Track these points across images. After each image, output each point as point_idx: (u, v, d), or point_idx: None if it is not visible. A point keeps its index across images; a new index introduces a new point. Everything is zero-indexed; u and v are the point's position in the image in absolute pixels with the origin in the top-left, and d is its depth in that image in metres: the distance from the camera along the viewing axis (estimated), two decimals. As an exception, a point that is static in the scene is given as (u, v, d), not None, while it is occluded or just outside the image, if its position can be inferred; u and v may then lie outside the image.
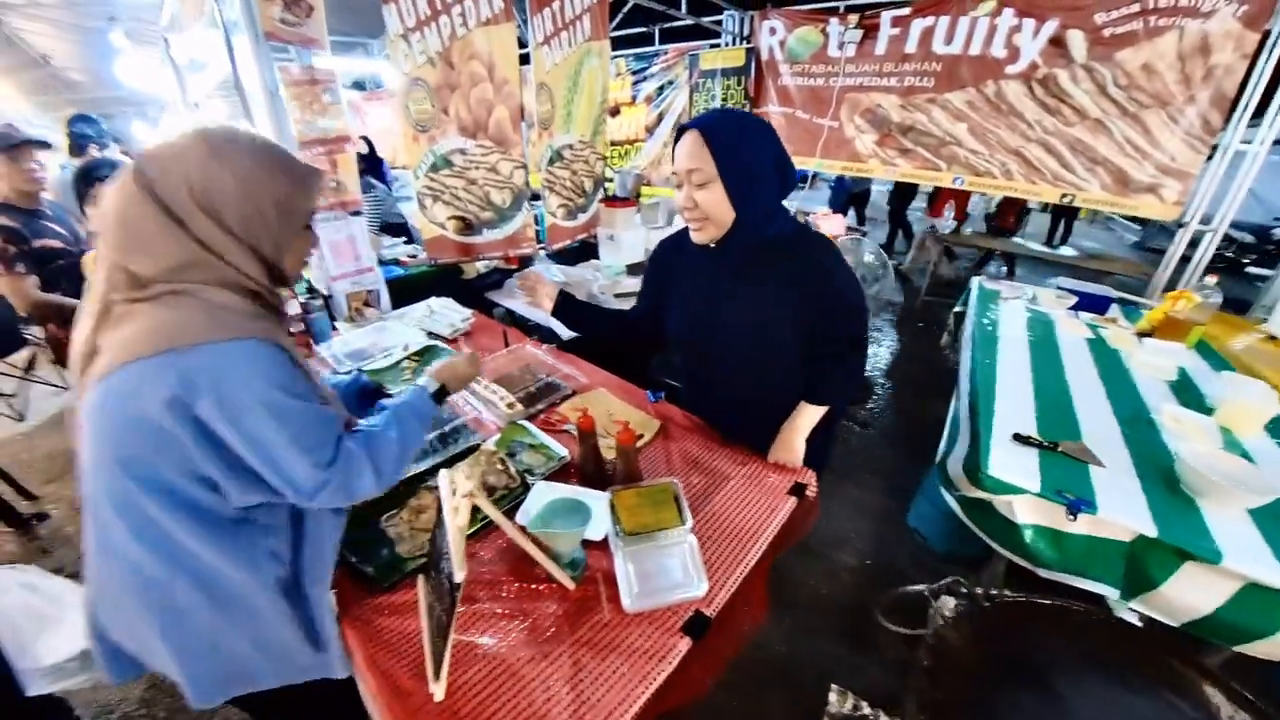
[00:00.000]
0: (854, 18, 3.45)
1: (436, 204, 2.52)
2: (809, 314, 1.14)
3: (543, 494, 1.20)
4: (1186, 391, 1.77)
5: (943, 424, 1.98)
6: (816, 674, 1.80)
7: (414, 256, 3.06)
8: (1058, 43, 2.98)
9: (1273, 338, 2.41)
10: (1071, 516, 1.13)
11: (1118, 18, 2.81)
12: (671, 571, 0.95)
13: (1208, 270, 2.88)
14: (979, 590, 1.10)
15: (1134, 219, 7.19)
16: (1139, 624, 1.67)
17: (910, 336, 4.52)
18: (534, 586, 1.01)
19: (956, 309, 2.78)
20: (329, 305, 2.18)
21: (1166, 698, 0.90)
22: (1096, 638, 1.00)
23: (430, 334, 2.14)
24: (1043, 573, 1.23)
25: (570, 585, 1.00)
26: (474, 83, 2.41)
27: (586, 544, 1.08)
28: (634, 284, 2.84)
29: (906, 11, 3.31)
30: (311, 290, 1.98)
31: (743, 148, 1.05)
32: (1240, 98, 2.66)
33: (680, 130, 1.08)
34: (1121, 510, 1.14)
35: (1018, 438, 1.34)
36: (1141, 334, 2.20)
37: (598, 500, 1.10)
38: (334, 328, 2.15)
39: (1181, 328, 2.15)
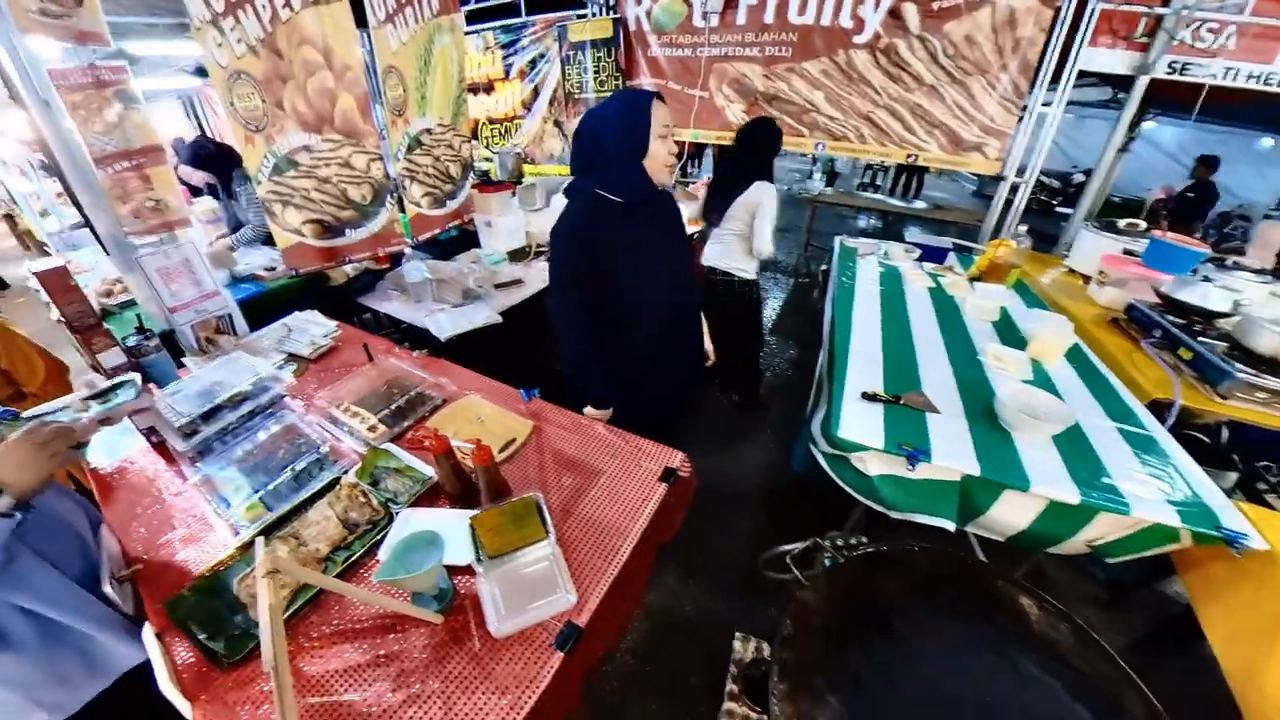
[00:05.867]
0: (714, -13, 3.46)
1: (287, 209, 2.23)
2: None
3: (406, 522, 1.13)
4: (1008, 329, 2.03)
5: (824, 375, 2.12)
6: (721, 626, 1.90)
7: (272, 269, 2.71)
8: (895, 15, 3.18)
9: (1072, 271, 2.83)
10: (910, 466, 1.25)
11: (943, -9, 3.05)
12: (538, 587, 0.92)
13: (1026, 213, 3.31)
14: (839, 543, 1.20)
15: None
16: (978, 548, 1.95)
17: (793, 292, 4.81)
18: (400, 627, 0.95)
19: (824, 267, 2.96)
20: (172, 342, 1.87)
21: (990, 617, 1.04)
22: (936, 574, 1.12)
23: (291, 355, 1.92)
24: (894, 514, 1.36)
25: (437, 620, 0.94)
26: (309, 71, 2.12)
27: (455, 570, 1.03)
28: (516, 271, 2.73)
29: (761, -19, 3.37)
30: (142, 329, 1.66)
31: None
32: (1041, 66, 3.02)
33: (650, 96, 1.25)
34: (951, 455, 1.28)
35: (865, 395, 1.45)
36: (973, 279, 2.48)
37: (461, 523, 1.04)
38: (181, 364, 1.85)
39: (1004, 270, 2.45)
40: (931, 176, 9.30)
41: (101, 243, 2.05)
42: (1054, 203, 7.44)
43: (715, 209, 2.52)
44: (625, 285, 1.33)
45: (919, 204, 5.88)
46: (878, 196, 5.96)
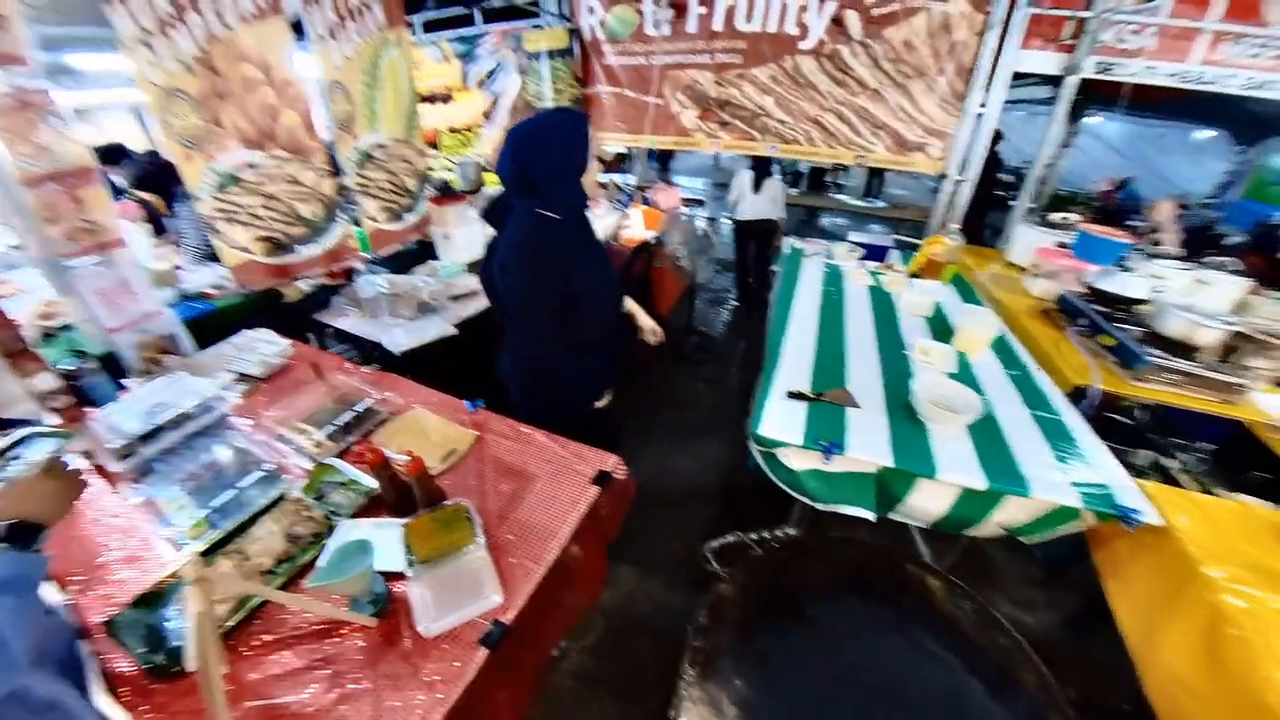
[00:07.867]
0: (665, -4, 3.54)
1: (234, 226, 2.23)
2: None
3: (346, 533, 1.17)
4: (940, 324, 2.13)
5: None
6: (677, 620, 1.97)
7: (220, 288, 2.69)
8: (838, 21, 3.30)
9: (1011, 264, 2.98)
10: (826, 459, 1.33)
11: (881, -1, 3.17)
12: (466, 589, 0.98)
13: (987, 209, 3.43)
14: (764, 536, 1.27)
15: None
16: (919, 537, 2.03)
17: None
18: (337, 632, 1.00)
19: (774, 268, 3.05)
20: (113, 363, 1.87)
21: (898, 599, 1.12)
22: (851, 561, 1.20)
23: (242, 375, 1.93)
24: (820, 506, 1.44)
25: (372, 623, 0.99)
26: (249, 88, 2.12)
27: (392, 576, 1.08)
28: (472, 282, 2.75)
29: (710, -10, 3.46)
30: (79, 351, 1.64)
31: None
32: (974, 68, 3.15)
33: (586, 115, 1.23)
34: (866, 447, 1.36)
35: (791, 394, 1.53)
36: (914, 275, 2.59)
37: (399, 531, 1.09)
38: (122, 386, 1.85)
39: (939, 267, 2.56)
40: (893, 174, 9.53)
41: (37, 265, 2.03)
42: (1009, 196, 7.68)
43: (758, 187, 4.12)
44: (582, 300, 1.37)
45: (879, 203, 6.04)
46: (841, 197, 6.11)
